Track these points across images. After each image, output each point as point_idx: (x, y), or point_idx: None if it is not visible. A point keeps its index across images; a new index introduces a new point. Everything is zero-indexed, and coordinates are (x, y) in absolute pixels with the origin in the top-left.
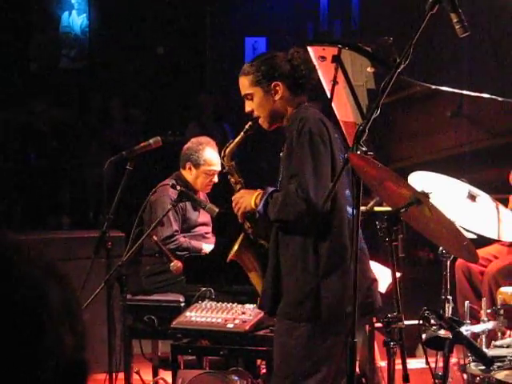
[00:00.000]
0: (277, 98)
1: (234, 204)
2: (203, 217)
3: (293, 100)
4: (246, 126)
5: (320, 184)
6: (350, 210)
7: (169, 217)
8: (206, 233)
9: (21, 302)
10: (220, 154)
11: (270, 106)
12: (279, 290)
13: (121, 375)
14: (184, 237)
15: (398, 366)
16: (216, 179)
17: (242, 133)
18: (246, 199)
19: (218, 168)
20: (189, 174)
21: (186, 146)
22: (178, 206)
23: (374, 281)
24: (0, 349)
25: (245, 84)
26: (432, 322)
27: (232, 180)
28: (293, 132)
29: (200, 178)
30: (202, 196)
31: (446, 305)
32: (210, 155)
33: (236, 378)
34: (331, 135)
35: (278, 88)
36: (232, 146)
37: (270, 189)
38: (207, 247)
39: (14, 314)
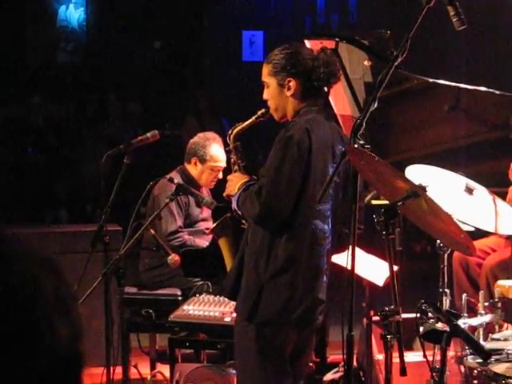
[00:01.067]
0: (288, 93)
1: (227, 184)
2: (205, 213)
3: (303, 99)
4: (259, 112)
5: (277, 191)
6: (321, 225)
7: (173, 212)
8: (207, 228)
9: (14, 293)
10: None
11: (281, 99)
12: (240, 280)
13: (118, 369)
14: (189, 234)
15: (396, 360)
16: (221, 175)
17: (253, 117)
18: (233, 183)
19: (224, 164)
20: (194, 169)
21: (192, 141)
22: (182, 201)
23: (321, 303)
24: None
25: (264, 71)
26: (429, 315)
27: (232, 159)
28: (281, 133)
29: (205, 174)
30: (204, 191)
31: (444, 298)
32: (217, 151)
33: (233, 371)
34: (313, 146)
35: (291, 84)
36: (241, 127)
37: (252, 180)
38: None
39: (7, 306)
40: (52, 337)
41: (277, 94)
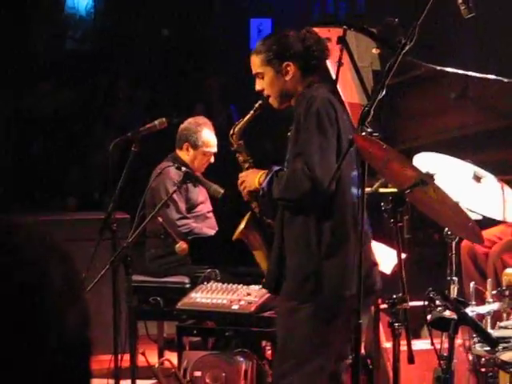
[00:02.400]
0: (287, 78)
1: (239, 183)
2: (201, 195)
3: (303, 80)
4: (256, 105)
5: (326, 163)
6: (355, 191)
7: (175, 199)
8: (208, 212)
9: (22, 279)
10: (229, 132)
11: (281, 85)
12: (283, 270)
13: (126, 356)
14: (194, 221)
15: (403, 347)
16: (212, 159)
17: (251, 111)
18: (251, 178)
19: (215, 149)
20: (186, 155)
21: (182, 126)
22: (182, 187)
23: (375, 264)
24: (1, 326)
25: (256, 62)
26: (437, 303)
27: (240, 158)
28: (300, 111)
29: (198, 159)
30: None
31: (451, 286)
32: (209, 136)
33: (241, 359)
34: (338, 116)
35: (289, 68)
36: (241, 124)
37: (276, 167)
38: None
39: (15, 292)
40: (60, 323)
41: (275, 81)
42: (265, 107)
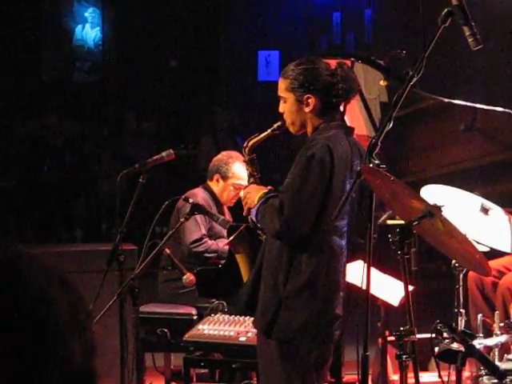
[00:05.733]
0: (307, 110)
1: (242, 197)
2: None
3: (322, 115)
4: (275, 125)
5: (299, 207)
6: (339, 241)
7: (197, 221)
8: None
9: (28, 310)
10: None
11: (299, 115)
12: (256, 292)
13: None
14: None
15: (411, 380)
16: (242, 194)
17: (269, 130)
18: (252, 196)
19: (245, 183)
20: (216, 186)
21: (215, 158)
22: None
23: (338, 317)
24: (6, 356)
25: (281, 86)
26: (445, 335)
27: (248, 171)
28: (302, 151)
29: (227, 191)
30: (225, 210)
31: (459, 318)
32: (239, 169)
33: None
34: (335, 164)
35: (309, 101)
36: (257, 139)
37: (271, 193)
38: None
39: (21, 322)
40: (65, 353)
41: (294, 109)
42: (282, 130)
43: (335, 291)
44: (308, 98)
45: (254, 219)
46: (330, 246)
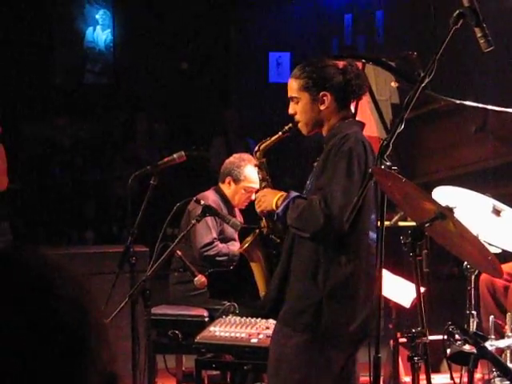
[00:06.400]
0: (322, 107)
1: (256, 201)
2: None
3: (338, 112)
4: (286, 127)
5: (345, 204)
6: (373, 235)
7: (208, 225)
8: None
9: (65, 322)
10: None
11: (314, 113)
12: (283, 294)
13: None
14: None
15: (423, 382)
16: (253, 197)
17: (280, 132)
18: (268, 198)
19: (257, 186)
20: (227, 189)
21: (227, 161)
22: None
23: (374, 314)
24: (45, 369)
25: (293, 87)
26: (456, 337)
27: (259, 176)
28: (333, 146)
29: (238, 194)
30: (237, 212)
31: (471, 320)
32: (251, 172)
33: None
34: (368, 158)
35: (325, 98)
36: (268, 143)
37: (294, 193)
38: None
39: (59, 335)
40: (99, 361)
41: (309, 108)
42: (293, 131)
43: (372, 286)
44: (324, 95)
45: (281, 219)
46: (366, 241)
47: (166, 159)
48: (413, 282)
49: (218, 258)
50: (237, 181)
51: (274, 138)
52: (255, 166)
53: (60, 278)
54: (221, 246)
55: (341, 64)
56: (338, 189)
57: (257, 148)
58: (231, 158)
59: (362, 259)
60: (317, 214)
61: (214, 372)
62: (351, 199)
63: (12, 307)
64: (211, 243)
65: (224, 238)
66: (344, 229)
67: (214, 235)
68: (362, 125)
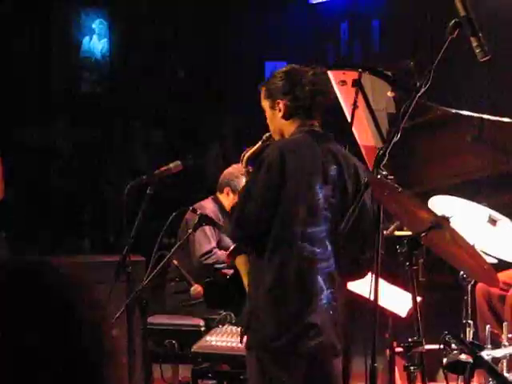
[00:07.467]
0: (279, 115)
1: None
2: None
3: (291, 121)
4: (264, 137)
5: (247, 208)
6: (310, 248)
7: (207, 234)
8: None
9: (83, 348)
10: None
11: (276, 122)
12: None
13: None
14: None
15: None
16: None
17: (259, 142)
18: None
19: None
20: (226, 199)
21: (226, 171)
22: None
23: (313, 327)
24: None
25: (261, 96)
26: (453, 346)
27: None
28: None
29: None
30: None
31: (467, 329)
32: None
33: None
34: (287, 167)
35: (280, 106)
36: (249, 153)
37: None
38: None
39: (76, 360)
40: (112, 374)
41: (270, 117)
42: (272, 140)
43: (309, 300)
44: (277, 103)
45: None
46: (298, 252)
47: (162, 169)
48: (409, 292)
49: (217, 266)
50: (235, 191)
51: (254, 148)
52: (241, 174)
53: (82, 301)
54: (219, 253)
55: (340, 77)
56: (239, 198)
57: (241, 158)
58: (230, 169)
59: (291, 272)
60: (229, 223)
61: (211, 382)
62: (250, 205)
63: (32, 330)
64: (210, 251)
65: (222, 247)
66: (251, 232)
67: (213, 244)
68: (318, 135)
